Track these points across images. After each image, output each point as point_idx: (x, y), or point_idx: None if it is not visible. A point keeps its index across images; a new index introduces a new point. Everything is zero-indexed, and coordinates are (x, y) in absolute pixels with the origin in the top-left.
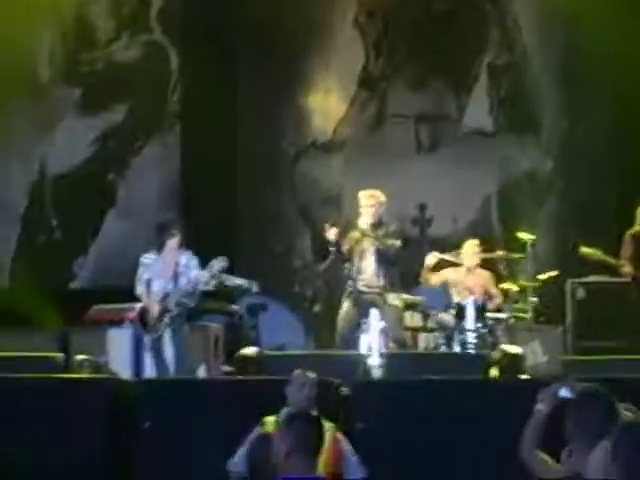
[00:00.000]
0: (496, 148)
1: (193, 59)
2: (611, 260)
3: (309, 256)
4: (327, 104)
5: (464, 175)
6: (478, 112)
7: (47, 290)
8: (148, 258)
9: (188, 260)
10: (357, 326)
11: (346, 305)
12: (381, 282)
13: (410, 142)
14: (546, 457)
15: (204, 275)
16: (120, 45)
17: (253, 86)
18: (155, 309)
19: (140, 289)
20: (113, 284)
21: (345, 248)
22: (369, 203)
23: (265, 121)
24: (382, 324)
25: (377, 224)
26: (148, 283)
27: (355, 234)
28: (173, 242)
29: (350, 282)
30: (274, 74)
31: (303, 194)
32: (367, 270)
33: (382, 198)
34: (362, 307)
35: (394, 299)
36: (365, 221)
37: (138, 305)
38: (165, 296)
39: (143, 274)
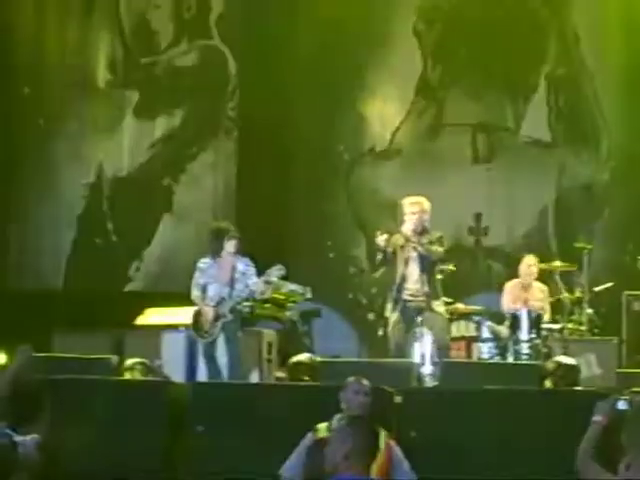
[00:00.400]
0: (553, 159)
1: (251, 65)
2: None
3: (364, 263)
4: (385, 112)
5: (520, 185)
6: (536, 122)
7: (102, 293)
8: (204, 263)
9: (245, 267)
10: (408, 334)
11: (395, 315)
12: (425, 289)
13: (467, 151)
14: (601, 469)
15: (261, 283)
16: (179, 50)
17: (311, 92)
18: (210, 314)
19: (195, 293)
20: (167, 288)
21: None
22: (413, 210)
23: (322, 127)
24: (429, 332)
25: (421, 231)
26: (204, 288)
27: (399, 240)
28: (231, 246)
29: (394, 290)
30: (332, 81)
31: (359, 201)
32: (411, 277)
33: (426, 205)
34: (409, 315)
35: (438, 306)
36: (408, 228)
37: (192, 309)
38: (220, 301)
39: (199, 278)
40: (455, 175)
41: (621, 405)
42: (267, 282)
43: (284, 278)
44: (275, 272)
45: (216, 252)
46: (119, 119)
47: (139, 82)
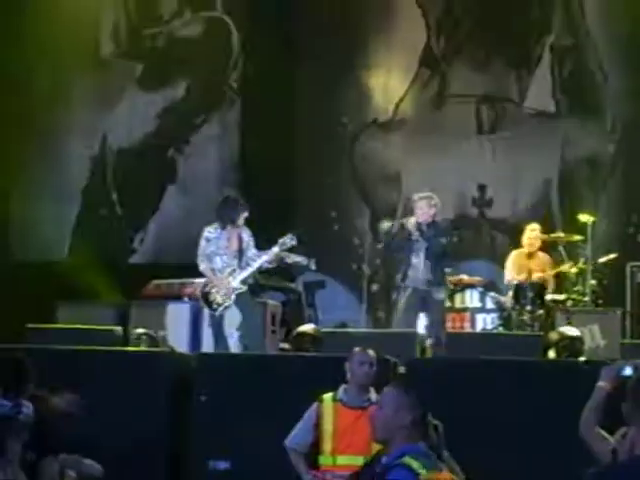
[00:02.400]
0: (558, 130)
1: (254, 36)
2: None
3: (368, 234)
4: (388, 83)
5: (525, 157)
6: (540, 94)
7: (107, 264)
8: (211, 232)
9: (249, 237)
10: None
11: (401, 302)
12: (429, 276)
13: (471, 122)
14: (606, 435)
15: (272, 252)
16: (182, 21)
17: (314, 63)
18: (221, 286)
19: (205, 265)
20: (172, 259)
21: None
22: (422, 207)
23: (325, 98)
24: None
25: (429, 224)
26: (211, 258)
27: (407, 229)
28: (242, 218)
29: (401, 278)
30: (335, 52)
31: (363, 172)
32: (418, 266)
33: (435, 201)
34: (413, 303)
35: (438, 293)
36: (417, 221)
37: (198, 281)
38: (231, 273)
39: (206, 249)
40: (459, 146)
41: (627, 371)
42: (280, 250)
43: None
44: (288, 241)
45: (230, 222)
46: (123, 90)
47: (143, 53)
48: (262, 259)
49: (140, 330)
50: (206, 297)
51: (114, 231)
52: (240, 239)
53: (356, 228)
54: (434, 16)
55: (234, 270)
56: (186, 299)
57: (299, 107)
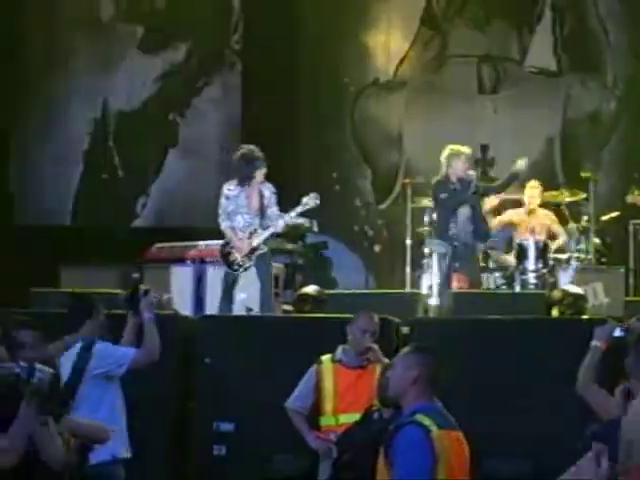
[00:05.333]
0: (559, 88)
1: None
2: None
3: (370, 195)
4: (389, 43)
5: (526, 116)
6: (541, 52)
7: (110, 228)
8: (231, 190)
9: (271, 193)
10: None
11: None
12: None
13: (472, 82)
14: (603, 391)
15: (296, 211)
16: None
17: (315, 23)
18: (243, 246)
19: (226, 224)
20: (174, 223)
21: None
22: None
23: (327, 60)
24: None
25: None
26: (232, 217)
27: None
28: (261, 174)
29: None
30: (337, 12)
31: (364, 133)
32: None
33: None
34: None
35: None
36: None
37: (201, 243)
38: (253, 232)
39: (227, 207)
40: (460, 106)
41: (617, 332)
42: (302, 209)
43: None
44: (311, 200)
45: (247, 178)
46: (123, 54)
47: (143, 16)
48: (285, 219)
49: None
50: (226, 257)
51: (116, 195)
52: (261, 196)
53: (358, 189)
54: None
55: (255, 230)
56: (189, 262)
57: (300, 68)
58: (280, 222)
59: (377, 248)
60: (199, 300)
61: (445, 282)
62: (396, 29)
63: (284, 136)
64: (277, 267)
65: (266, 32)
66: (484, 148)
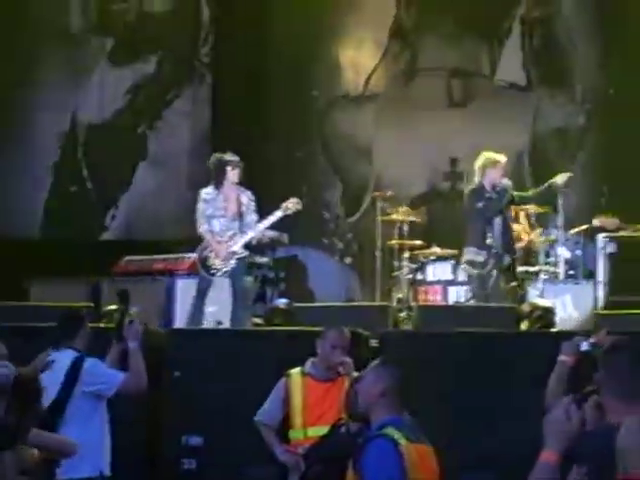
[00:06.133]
0: (529, 102)
1: (225, 10)
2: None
3: (339, 208)
4: (359, 56)
5: (496, 130)
6: (511, 66)
7: (79, 241)
8: (208, 193)
9: (249, 200)
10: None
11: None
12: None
13: (442, 96)
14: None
15: (276, 216)
16: None
17: (285, 37)
18: (221, 250)
19: (205, 227)
20: (144, 235)
21: None
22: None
23: (296, 72)
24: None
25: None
26: (209, 220)
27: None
28: (235, 176)
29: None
30: (307, 25)
31: (334, 146)
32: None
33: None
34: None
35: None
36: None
37: (170, 256)
38: (232, 236)
39: (206, 210)
40: (430, 120)
41: (584, 346)
42: (284, 213)
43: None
44: (293, 205)
45: (221, 180)
46: (93, 66)
47: (113, 28)
48: (264, 223)
49: (111, 307)
50: (204, 261)
51: (85, 208)
52: (239, 202)
53: (328, 202)
54: None
55: (234, 234)
56: (158, 275)
57: (270, 82)
58: (259, 226)
59: (347, 261)
60: (169, 313)
61: (483, 289)
62: (366, 42)
63: (253, 149)
64: (247, 280)
65: (236, 45)
66: (454, 162)
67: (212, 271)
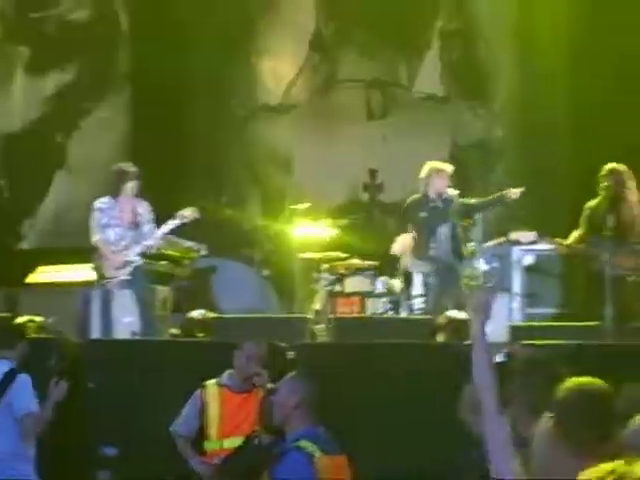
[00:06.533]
0: (447, 114)
1: (143, 19)
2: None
3: (259, 219)
4: (279, 67)
5: (415, 141)
6: (429, 78)
7: None
8: (103, 203)
9: (146, 211)
10: None
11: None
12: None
13: (361, 107)
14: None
15: (171, 224)
16: (70, 4)
17: (204, 46)
18: (115, 259)
19: (98, 236)
20: (62, 245)
21: None
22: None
23: (216, 82)
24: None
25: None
26: (104, 230)
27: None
28: (131, 187)
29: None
30: (226, 35)
31: (253, 156)
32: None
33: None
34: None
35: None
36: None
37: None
38: (126, 246)
39: (100, 219)
40: (349, 131)
41: (497, 358)
42: (181, 222)
43: (178, 234)
44: (189, 214)
45: (117, 191)
46: (10, 75)
47: (30, 37)
48: (160, 232)
49: (27, 317)
50: (98, 270)
51: (2, 216)
52: (135, 212)
53: (247, 212)
54: (323, 0)
55: (129, 243)
56: (75, 285)
57: (189, 91)
58: (155, 236)
59: (265, 272)
60: (85, 324)
61: (437, 302)
62: (285, 53)
63: (174, 158)
64: (164, 290)
65: (155, 54)
66: (373, 173)
67: (106, 280)
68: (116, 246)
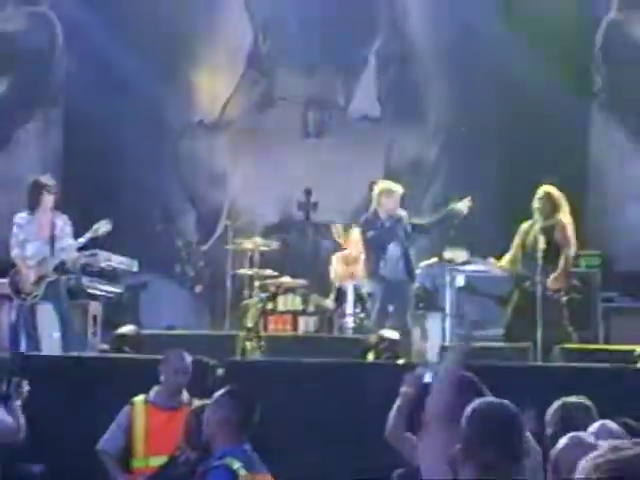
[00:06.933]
0: (382, 135)
1: (79, 32)
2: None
3: (192, 235)
4: (215, 83)
5: (350, 160)
6: (365, 98)
7: None
8: (22, 218)
9: (64, 224)
10: None
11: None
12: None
13: (298, 126)
14: (411, 439)
15: (86, 237)
16: (5, 16)
17: (140, 61)
18: (31, 274)
19: (16, 251)
20: None
21: None
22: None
23: (152, 97)
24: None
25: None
26: (23, 245)
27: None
28: (49, 200)
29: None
30: (162, 51)
31: (188, 173)
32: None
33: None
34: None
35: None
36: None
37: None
38: (42, 261)
39: (19, 235)
40: (285, 149)
41: (427, 378)
42: (94, 235)
43: (110, 249)
44: (102, 226)
45: (35, 205)
46: None
47: None
48: (76, 244)
49: None
50: (15, 286)
51: None
52: (53, 226)
53: (180, 229)
54: (261, 17)
55: (45, 258)
56: (6, 298)
57: (124, 106)
58: (70, 249)
59: (198, 289)
60: (14, 338)
61: (379, 323)
62: (222, 70)
63: (106, 173)
64: (95, 306)
65: (90, 66)
66: (307, 192)
67: (23, 296)
68: (32, 260)
